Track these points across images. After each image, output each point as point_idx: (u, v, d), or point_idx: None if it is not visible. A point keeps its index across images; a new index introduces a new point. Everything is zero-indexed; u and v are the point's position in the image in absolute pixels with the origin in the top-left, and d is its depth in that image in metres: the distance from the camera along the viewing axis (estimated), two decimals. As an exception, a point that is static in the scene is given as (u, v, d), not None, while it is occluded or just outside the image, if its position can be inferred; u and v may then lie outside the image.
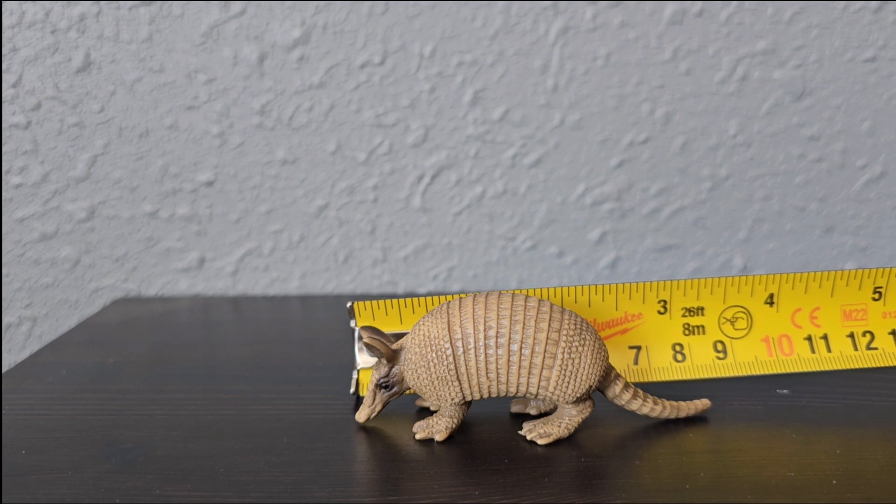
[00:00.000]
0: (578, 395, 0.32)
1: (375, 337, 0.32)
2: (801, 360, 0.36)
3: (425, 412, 0.36)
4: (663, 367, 0.36)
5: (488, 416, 0.35)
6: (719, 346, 0.36)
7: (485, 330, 0.31)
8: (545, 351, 0.31)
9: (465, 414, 0.33)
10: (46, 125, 0.53)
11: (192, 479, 0.30)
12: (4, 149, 0.53)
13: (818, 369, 0.36)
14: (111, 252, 0.56)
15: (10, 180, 0.53)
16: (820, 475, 0.29)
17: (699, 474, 0.30)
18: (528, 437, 0.32)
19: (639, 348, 0.36)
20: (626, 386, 0.33)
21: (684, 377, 0.36)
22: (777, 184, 0.55)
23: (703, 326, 0.36)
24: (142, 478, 0.30)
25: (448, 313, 0.32)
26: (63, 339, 0.47)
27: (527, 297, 0.32)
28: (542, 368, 0.31)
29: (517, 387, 0.31)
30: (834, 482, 0.29)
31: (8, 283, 0.56)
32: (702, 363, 0.36)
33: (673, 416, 0.34)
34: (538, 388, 0.31)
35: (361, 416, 0.34)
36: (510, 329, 0.31)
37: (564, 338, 0.31)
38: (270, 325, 0.51)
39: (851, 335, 0.36)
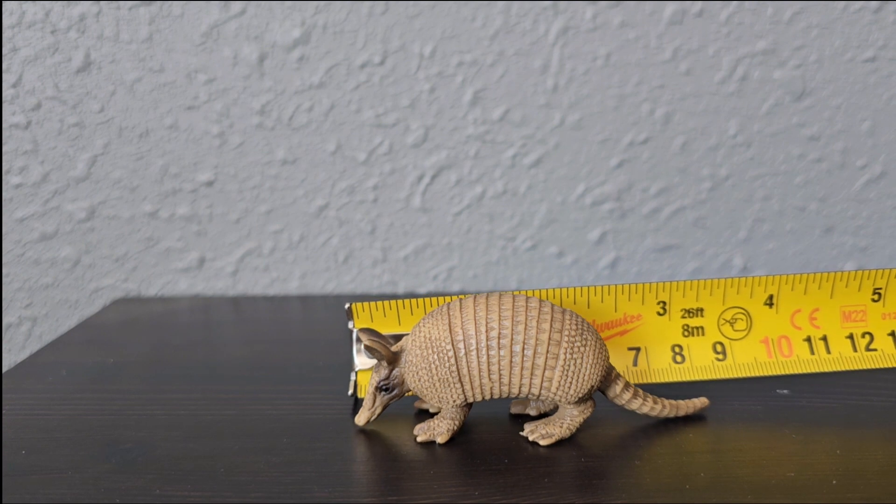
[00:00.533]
0: (580, 395, 0.32)
1: (375, 339, 0.32)
2: (800, 361, 0.36)
3: (424, 414, 0.36)
4: (663, 369, 0.36)
5: (488, 417, 0.35)
6: (718, 348, 0.36)
7: (486, 331, 0.31)
8: (547, 351, 0.31)
9: (466, 416, 0.33)
10: (46, 125, 0.53)
11: (192, 479, 0.30)
12: (4, 149, 0.53)
13: (817, 370, 0.36)
14: (111, 252, 0.56)
15: (10, 180, 0.53)
16: (820, 475, 0.29)
17: (699, 474, 0.30)
18: (531, 438, 0.32)
19: (638, 350, 0.36)
20: (627, 385, 0.33)
21: (684, 378, 0.36)
22: (777, 184, 0.55)
23: (702, 328, 0.36)
24: (142, 478, 0.30)
25: (449, 315, 0.32)
26: (63, 339, 0.47)
27: (527, 297, 0.32)
28: (545, 369, 0.31)
29: (519, 388, 0.31)
30: (834, 482, 0.29)
31: (8, 283, 0.56)
32: (701, 364, 0.36)
33: (672, 414, 0.34)
34: (540, 389, 0.31)
35: (361, 419, 0.34)
36: (512, 330, 0.31)
37: (566, 338, 0.31)
38: (270, 325, 0.51)
39: (851, 336, 0.36)
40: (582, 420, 0.32)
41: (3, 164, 0.53)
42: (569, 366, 0.31)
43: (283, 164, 0.54)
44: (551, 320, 0.31)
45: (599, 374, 0.32)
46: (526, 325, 0.31)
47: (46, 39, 0.51)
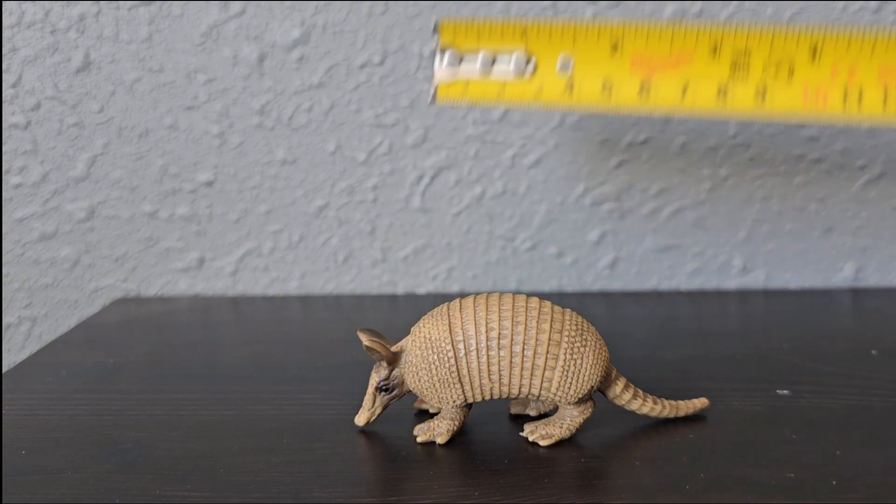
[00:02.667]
0: (580, 395, 0.32)
1: (375, 339, 0.32)
2: (833, 112, 0.36)
3: (424, 414, 0.36)
4: (707, 106, 0.36)
5: (488, 418, 0.35)
6: (760, 89, 0.36)
7: (486, 331, 0.31)
8: (547, 352, 0.31)
9: (466, 416, 0.33)
10: (46, 125, 0.53)
11: (192, 479, 0.30)
12: (4, 149, 0.53)
13: (847, 122, 0.36)
14: (111, 252, 0.56)
15: (10, 180, 0.53)
16: (820, 475, 0.29)
17: (699, 474, 0.30)
18: (531, 439, 0.32)
19: (686, 85, 0.36)
20: (627, 386, 0.33)
21: (725, 116, 0.35)
22: (777, 184, 0.55)
23: (747, 70, 0.36)
24: (142, 478, 0.30)
25: (449, 315, 0.32)
26: (63, 339, 0.47)
27: (527, 297, 0.32)
28: (545, 369, 0.31)
29: (519, 388, 0.31)
30: (834, 482, 0.29)
31: (8, 283, 0.56)
32: (742, 107, 0.36)
33: (672, 415, 0.34)
34: (540, 389, 0.31)
35: (361, 419, 0.34)
36: (512, 330, 0.31)
37: (566, 338, 0.31)
38: (270, 325, 0.51)
39: (885, 94, 0.36)
40: (582, 420, 0.32)
41: (3, 164, 0.53)
42: (569, 366, 0.31)
43: (282, 164, 0.54)
44: (551, 321, 0.31)
45: (599, 374, 0.32)
46: (526, 325, 0.31)
47: (46, 39, 0.51)
